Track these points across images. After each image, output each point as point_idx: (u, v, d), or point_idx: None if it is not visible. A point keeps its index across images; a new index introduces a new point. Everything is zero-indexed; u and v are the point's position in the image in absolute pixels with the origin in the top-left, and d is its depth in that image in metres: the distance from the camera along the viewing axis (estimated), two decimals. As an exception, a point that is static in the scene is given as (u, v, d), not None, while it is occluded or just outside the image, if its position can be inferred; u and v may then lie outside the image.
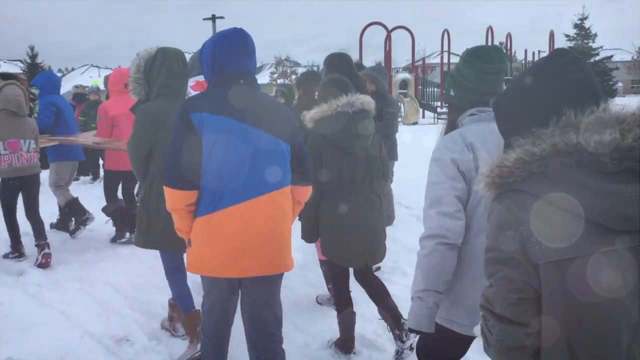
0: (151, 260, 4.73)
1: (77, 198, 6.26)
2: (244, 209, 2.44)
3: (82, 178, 9.87)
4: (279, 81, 46.52)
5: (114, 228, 6.11)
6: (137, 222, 3.52)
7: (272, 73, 54.44)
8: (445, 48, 25.19)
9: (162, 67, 3.45)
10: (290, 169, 2.62)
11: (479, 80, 2.20)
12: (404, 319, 3.32)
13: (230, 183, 2.43)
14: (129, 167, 5.58)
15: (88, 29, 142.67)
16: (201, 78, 4.59)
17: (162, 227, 3.31)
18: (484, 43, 13.95)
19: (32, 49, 47.97)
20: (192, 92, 4.43)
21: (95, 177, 9.97)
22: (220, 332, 2.74)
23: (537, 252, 1.25)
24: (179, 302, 3.60)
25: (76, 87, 10.86)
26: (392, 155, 5.55)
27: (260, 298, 2.66)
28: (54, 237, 5.98)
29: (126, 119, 5.57)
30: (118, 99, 5.82)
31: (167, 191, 2.46)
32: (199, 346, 3.40)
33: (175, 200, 2.46)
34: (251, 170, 2.45)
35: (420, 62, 24.91)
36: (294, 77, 55.11)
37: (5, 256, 5.47)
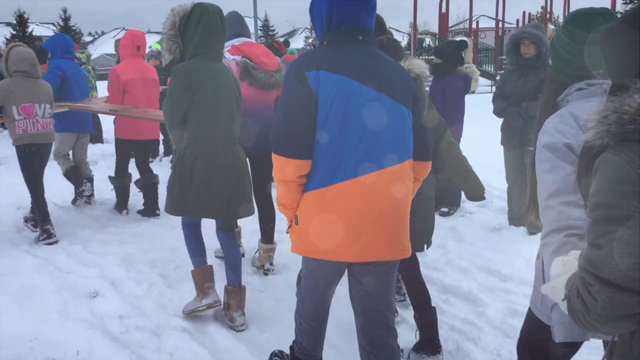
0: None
1: (74, 167, 6.02)
2: (363, 183, 2.18)
3: None
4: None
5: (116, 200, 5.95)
6: (168, 188, 3.38)
7: (307, 37, 53.58)
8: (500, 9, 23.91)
9: (199, 24, 3.26)
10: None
11: (579, 51, 1.87)
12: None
13: (349, 153, 2.16)
14: (141, 136, 5.62)
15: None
16: (237, 42, 4.17)
17: (195, 193, 3.24)
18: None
19: (64, 11, 47.94)
20: (228, 57, 4.00)
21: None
22: (320, 316, 2.56)
23: None
24: (193, 257, 3.53)
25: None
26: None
27: (375, 287, 2.41)
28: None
29: (139, 84, 5.44)
30: (130, 63, 5.51)
31: (278, 160, 2.20)
32: (204, 301, 3.47)
33: (286, 170, 2.19)
34: (372, 139, 2.18)
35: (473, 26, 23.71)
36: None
37: (36, 239, 5.04)
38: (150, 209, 5.77)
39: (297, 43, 49.04)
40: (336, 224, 2.19)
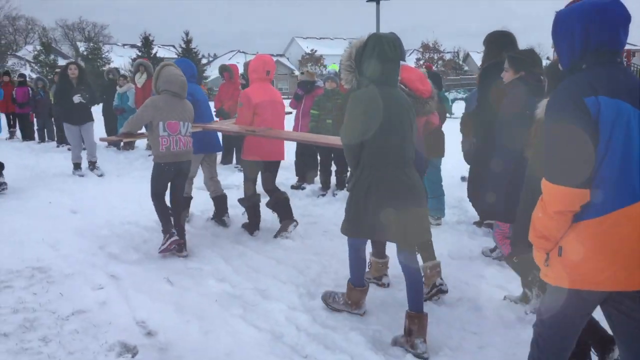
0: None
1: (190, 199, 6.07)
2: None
3: None
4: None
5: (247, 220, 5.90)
6: (346, 210, 3.56)
7: (418, 59, 53.25)
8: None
9: (373, 52, 3.37)
10: None
11: None
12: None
13: (630, 179, 2.08)
14: (269, 158, 5.65)
15: (231, 16, 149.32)
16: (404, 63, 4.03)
17: (371, 215, 3.35)
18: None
19: (187, 34, 50.66)
20: None
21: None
22: (566, 349, 2.40)
23: None
24: (354, 273, 3.73)
25: (302, 73, 8.72)
26: None
27: None
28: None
29: (269, 107, 5.50)
30: (260, 86, 5.57)
31: (556, 190, 2.12)
32: (355, 311, 3.77)
33: (566, 200, 2.11)
34: None
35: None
36: (440, 62, 53.56)
37: (160, 250, 5.04)
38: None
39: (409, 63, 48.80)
40: (616, 254, 2.10)
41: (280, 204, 5.71)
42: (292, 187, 7.99)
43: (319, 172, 7.98)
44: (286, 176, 8.71)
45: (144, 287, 4.26)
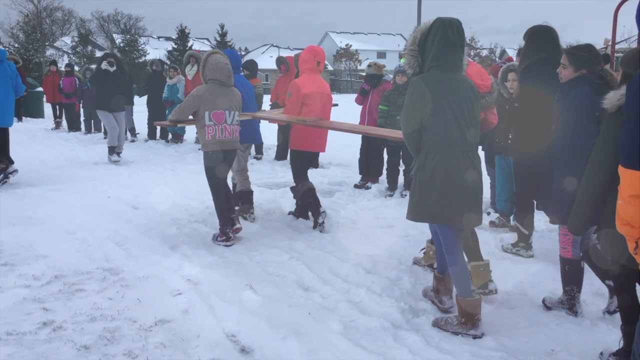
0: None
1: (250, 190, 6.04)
2: None
3: None
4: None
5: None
6: (410, 194, 3.54)
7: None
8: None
9: (436, 36, 3.37)
10: None
11: None
12: None
13: None
14: (314, 148, 5.67)
15: (263, 10, 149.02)
16: None
17: (435, 200, 3.34)
18: None
19: (222, 27, 50.57)
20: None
21: None
22: None
23: None
24: (460, 285, 3.47)
25: (369, 66, 7.76)
26: None
27: None
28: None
29: (317, 98, 5.49)
30: (310, 77, 5.56)
31: (631, 174, 2.07)
32: (472, 332, 3.39)
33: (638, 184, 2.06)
34: None
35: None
36: (477, 59, 52.55)
37: (214, 238, 5.17)
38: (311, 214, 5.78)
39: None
40: None
41: (308, 194, 5.66)
42: (356, 186, 7.59)
43: (385, 171, 7.54)
44: (348, 174, 8.33)
45: (227, 294, 3.90)
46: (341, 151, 9.47)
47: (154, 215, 5.92)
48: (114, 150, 9.32)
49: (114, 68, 9.52)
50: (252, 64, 9.85)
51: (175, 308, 3.70)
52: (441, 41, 3.34)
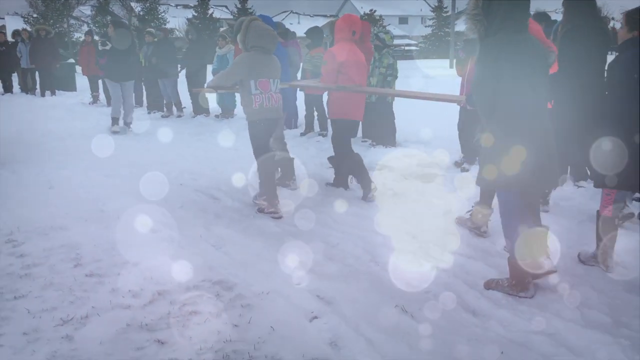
0: None
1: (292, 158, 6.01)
2: None
3: None
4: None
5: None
6: (480, 161, 3.56)
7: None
8: None
9: None
10: None
11: None
12: None
13: None
14: (354, 117, 5.62)
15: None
16: None
17: (509, 165, 3.26)
18: None
19: (243, -7, 49.03)
20: None
21: None
22: None
23: None
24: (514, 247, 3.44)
25: None
26: None
27: None
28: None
29: (353, 66, 5.43)
30: (345, 46, 5.48)
31: None
32: (522, 294, 3.40)
33: None
34: None
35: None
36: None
37: (260, 210, 5.07)
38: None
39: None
40: None
41: (356, 166, 5.62)
42: (456, 163, 6.86)
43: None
44: (444, 153, 7.38)
45: (373, 318, 3.14)
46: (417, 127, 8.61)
47: (241, 208, 5.19)
48: (117, 121, 9.41)
49: (109, 46, 9.43)
50: (316, 32, 8.95)
51: (320, 340, 2.96)
52: (509, 1, 3.24)
